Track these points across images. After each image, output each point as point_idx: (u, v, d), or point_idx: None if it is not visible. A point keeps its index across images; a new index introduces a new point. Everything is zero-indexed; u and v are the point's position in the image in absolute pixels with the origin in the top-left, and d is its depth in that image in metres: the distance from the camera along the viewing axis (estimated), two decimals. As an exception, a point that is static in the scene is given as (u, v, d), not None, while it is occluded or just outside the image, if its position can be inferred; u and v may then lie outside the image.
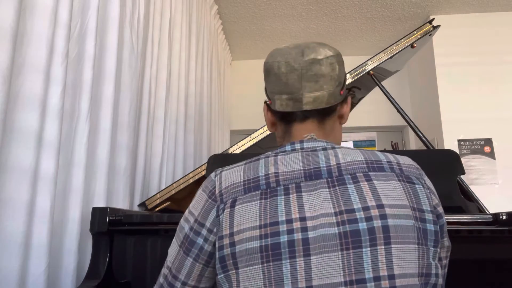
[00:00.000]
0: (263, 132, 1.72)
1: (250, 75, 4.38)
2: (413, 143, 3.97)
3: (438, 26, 2.00)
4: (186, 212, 0.71)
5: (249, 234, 0.61)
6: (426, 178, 0.69)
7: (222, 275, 0.62)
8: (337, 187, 0.63)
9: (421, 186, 0.66)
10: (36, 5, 1.04)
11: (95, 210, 1.17)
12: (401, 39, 1.89)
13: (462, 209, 1.29)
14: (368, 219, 0.60)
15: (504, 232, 1.03)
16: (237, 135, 4.05)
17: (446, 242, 0.67)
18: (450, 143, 3.23)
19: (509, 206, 2.88)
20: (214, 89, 3.25)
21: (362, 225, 0.59)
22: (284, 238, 0.59)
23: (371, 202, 0.61)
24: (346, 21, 3.62)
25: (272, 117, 0.79)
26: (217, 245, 0.64)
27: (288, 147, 0.72)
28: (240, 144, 1.72)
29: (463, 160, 3.07)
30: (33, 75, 1.02)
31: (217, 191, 0.67)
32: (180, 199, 1.73)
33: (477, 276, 1.03)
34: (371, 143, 4.23)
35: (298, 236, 0.59)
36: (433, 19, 2.13)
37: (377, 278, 0.57)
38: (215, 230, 0.65)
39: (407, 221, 0.60)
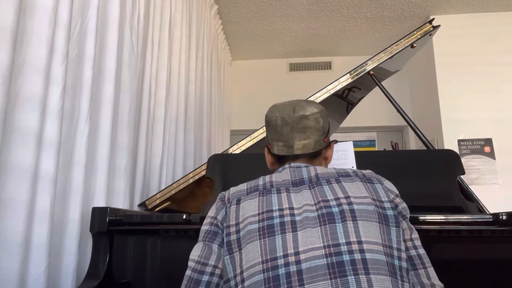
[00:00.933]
0: (263, 132, 1.72)
1: (250, 75, 4.38)
2: (413, 143, 3.97)
3: (438, 26, 2.00)
4: (205, 219, 0.88)
5: (250, 220, 0.79)
6: (385, 181, 0.88)
7: (228, 256, 0.78)
8: (315, 187, 0.84)
9: (379, 185, 0.85)
10: (36, 5, 1.04)
11: (95, 210, 1.17)
12: (401, 39, 1.90)
13: (462, 209, 1.29)
14: (339, 205, 0.78)
15: (504, 232, 1.03)
16: (237, 135, 4.05)
17: (405, 224, 0.84)
18: (450, 143, 3.23)
19: (509, 206, 2.88)
20: (214, 89, 3.25)
21: (335, 209, 0.78)
22: (276, 220, 0.77)
23: (341, 195, 0.81)
24: (346, 21, 3.62)
25: (271, 158, 0.99)
26: (224, 232, 0.81)
27: (280, 169, 0.93)
28: (240, 144, 1.72)
29: (463, 160, 3.08)
30: (33, 75, 1.02)
31: (226, 197, 0.88)
32: (180, 199, 1.73)
33: (477, 276, 1.03)
34: (371, 143, 4.22)
35: (287, 219, 0.77)
36: (433, 19, 2.13)
37: (348, 243, 0.73)
38: (224, 223, 0.83)
39: (369, 206, 0.79)
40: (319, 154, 0.95)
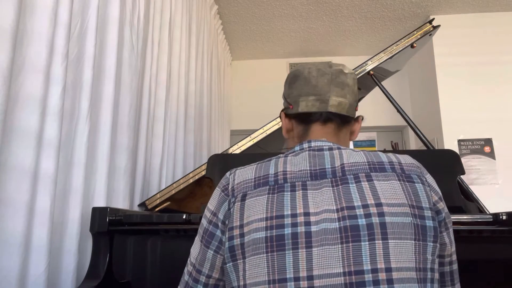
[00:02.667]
0: (263, 132, 1.72)
1: (250, 75, 4.38)
2: (413, 143, 3.97)
3: (438, 26, 2.00)
4: (205, 210, 0.77)
5: (256, 225, 0.66)
6: (427, 175, 0.72)
7: (231, 263, 0.67)
8: (340, 186, 0.68)
9: (421, 185, 0.69)
10: (36, 5, 1.04)
11: (95, 210, 1.17)
12: (401, 39, 1.89)
13: (462, 209, 1.29)
14: (367, 215, 0.64)
15: (504, 232, 1.03)
16: (237, 135, 4.05)
17: (446, 237, 0.70)
18: (450, 143, 3.23)
19: (509, 206, 2.88)
20: (214, 89, 3.25)
21: (361, 221, 0.63)
22: (288, 231, 0.64)
23: (371, 201, 0.65)
24: (346, 21, 3.62)
25: (289, 123, 0.85)
26: (227, 235, 0.69)
27: (297, 147, 0.78)
28: (240, 144, 1.72)
29: (463, 160, 3.07)
30: (33, 75, 1.01)
31: (229, 187, 0.74)
32: (180, 199, 1.73)
33: (477, 276, 1.03)
34: (371, 143, 4.22)
35: (301, 229, 0.64)
36: (433, 19, 2.13)
37: (374, 270, 0.60)
38: (226, 222, 0.70)
39: (404, 218, 0.64)
40: (349, 122, 0.82)
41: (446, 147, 3.18)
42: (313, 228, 0.64)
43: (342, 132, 0.81)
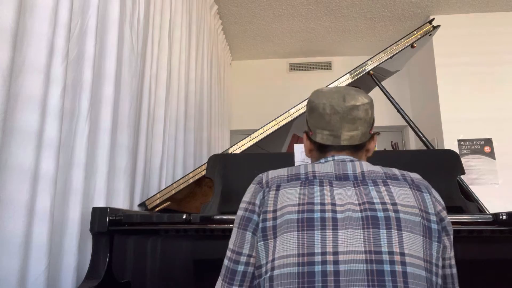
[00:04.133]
0: (263, 132, 1.72)
1: (250, 75, 4.38)
2: (413, 143, 3.97)
3: (438, 26, 2.00)
4: (240, 204, 0.85)
5: (290, 209, 0.76)
6: (433, 190, 0.84)
7: (262, 242, 0.76)
8: (361, 186, 0.79)
9: (428, 194, 0.80)
10: (36, 5, 1.04)
11: (95, 210, 1.17)
12: (401, 39, 1.89)
13: (462, 209, 1.29)
14: (385, 210, 0.74)
15: (504, 232, 1.03)
16: (237, 135, 4.05)
17: (446, 241, 0.79)
18: (450, 143, 3.23)
19: (509, 206, 2.88)
20: (214, 89, 3.25)
21: (380, 214, 0.74)
22: (317, 215, 0.74)
23: (387, 200, 0.76)
24: (346, 21, 3.62)
25: (310, 145, 0.94)
26: (261, 217, 0.78)
27: (322, 160, 0.88)
28: (240, 144, 1.72)
29: (463, 160, 3.08)
30: (33, 75, 1.02)
31: (264, 180, 0.84)
32: (180, 199, 1.73)
33: (477, 276, 1.03)
34: (371, 143, 4.22)
35: (329, 215, 0.74)
36: (433, 19, 2.13)
37: (391, 253, 0.70)
38: (261, 207, 0.80)
39: (415, 217, 0.75)
40: (363, 146, 0.91)
41: (446, 147, 3.18)
42: (339, 215, 0.74)
43: (357, 155, 0.90)
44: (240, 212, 0.83)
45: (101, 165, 1.33)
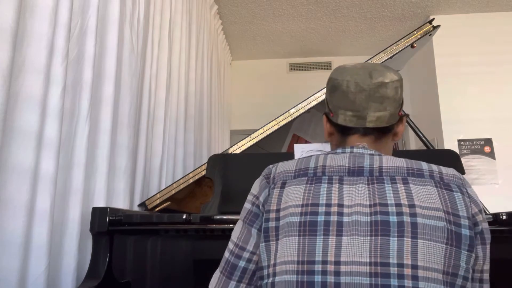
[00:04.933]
0: (263, 132, 1.72)
1: (250, 75, 4.38)
2: (413, 143, 3.97)
3: (438, 26, 2.00)
4: (248, 196, 0.80)
5: (292, 210, 0.69)
6: (470, 188, 0.72)
7: (263, 243, 0.71)
8: (375, 184, 0.69)
9: (460, 194, 0.69)
10: (36, 5, 1.04)
11: (95, 210, 1.17)
12: (401, 39, 1.89)
13: (462, 209, 1.29)
14: (399, 214, 0.65)
15: (504, 232, 1.03)
16: (237, 135, 4.04)
17: (480, 251, 0.68)
18: (450, 143, 3.24)
19: (509, 206, 2.88)
20: (214, 89, 3.25)
21: (393, 218, 0.64)
22: (321, 218, 0.67)
23: (404, 201, 0.66)
24: (346, 21, 3.62)
25: (331, 128, 0.84)
26: (264, 217, 0.73)
27: (339, 150, 0.79)
28: (240, 144, 1.72)
29: (463, 160, 3.07)
30: (33, 75, 1.01)
31: (271, 176, 0.77)
32: (180, 199, 1.73)
33: (477, 276, 1.03)
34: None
35: (334, 218, 0.67)
36: (433, 19, 2.13)
37: (400, 265, 0.61)
38: (265, 206, 0.74)
39: (438, 222, 0.64)
40: (390, 129, 0.81)
41: (446, 147, 3.18)
42: (345, 219, 0.66)
43: (382, 141, 0.81)
44: (247, 205, 0.78)
45: (101, 165, 1.33)
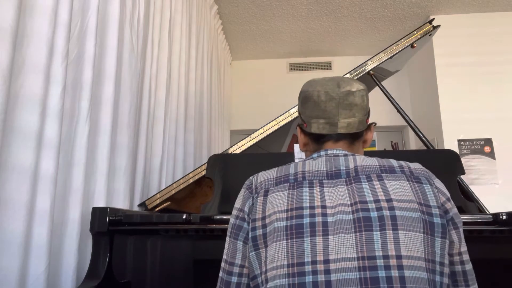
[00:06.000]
0: (263, 132, 1.72)
1: (250, 75, 4.38)
2: (413, 143, 3.97)
3: (438, 26, 2.00)
4: (232, 211, 0.82)
5: (277, 216, 0.72)
6: (436, 179, 0.78)
7: (253, 252, 0.73)
8: (353, 184, 0.74)
9: (429, 186, 0.75)
10: (36, 5, 1.04)
11: (95, 210, 1.17)
12: (401, 39, 1.89)
13: (462, 209, 1.29)
14: (379, 209, 0.69)
15: (504, 232, 1.03)
16: (237, 135, 4.05)
17: (454, 235, 0.74)
18: (450, 143, 3.23)
19: (509, 206, 2.88)
20: (214, 89, 3.25)
21: (373, 214, 0.69)
22: (306, 220, 0.70)
23: (381, 196, 0.71)
24: (346, 21, 3.62)
25: (305, 138, 0.90)
26: (250, 226, 0.75)
27: (315, 155, 0.84)
28: (240, 144, 1.72)
29: (463, 160, 3.07)
30: (33, 75, 1.02)
31: (253, 186, 0.81)
32: (180, 199, 1.73)
33: (476, 276, 1.03)
34: (371, 143, 4.22)
35: (318, 219, 0.70)
36: (433, 19, 2.13)
37: (386, 257, 0.65)
38: (250, 215, 0.77)
39: (413, 213, 0.70)
40: (360, 135, 0.88)
41: (446, 147, 3.18)
42: (330, 219, 0.70)
43: (354, 145, 0.87)
44: (231, 220, 0.81)
45: (101, 165, 1.33)
